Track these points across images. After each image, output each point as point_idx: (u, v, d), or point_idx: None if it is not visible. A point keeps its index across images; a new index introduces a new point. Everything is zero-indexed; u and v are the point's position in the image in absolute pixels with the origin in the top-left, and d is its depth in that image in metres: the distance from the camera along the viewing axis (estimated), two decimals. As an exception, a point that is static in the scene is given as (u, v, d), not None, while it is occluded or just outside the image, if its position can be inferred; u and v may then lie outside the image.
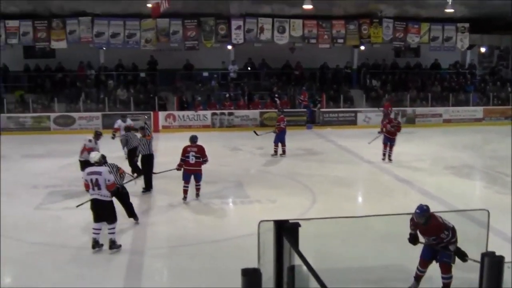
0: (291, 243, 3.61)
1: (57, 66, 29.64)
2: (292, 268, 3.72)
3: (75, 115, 26.58)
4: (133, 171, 15.17)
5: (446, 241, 7.75)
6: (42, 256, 9.95)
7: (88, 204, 10.22)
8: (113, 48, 27.48)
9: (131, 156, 15.77)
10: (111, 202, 10.12)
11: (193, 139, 13.77)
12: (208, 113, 26.90)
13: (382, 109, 25.86)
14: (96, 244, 10.02)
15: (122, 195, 11.19)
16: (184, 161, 13.46)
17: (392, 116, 20.38)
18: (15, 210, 12.83)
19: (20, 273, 9.51)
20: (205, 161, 13.61)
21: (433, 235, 7.86)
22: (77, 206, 11.15)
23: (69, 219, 12.11)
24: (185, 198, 13.57)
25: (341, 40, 27.85)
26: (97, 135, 15.04)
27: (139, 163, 14.79)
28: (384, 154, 18.43)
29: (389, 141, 18.35)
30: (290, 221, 3.73)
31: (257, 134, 19.40)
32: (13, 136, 24.82)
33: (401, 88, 30.43)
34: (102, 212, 10.02)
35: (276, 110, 22.45)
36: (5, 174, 16.72)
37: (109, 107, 27.33)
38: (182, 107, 27.60)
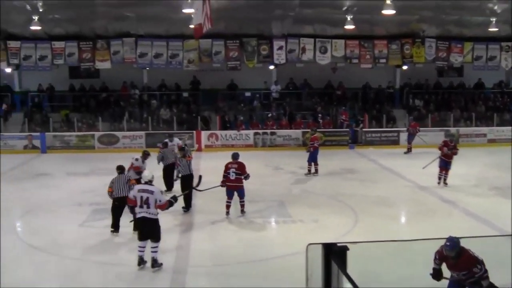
0: (340, 266, 3.63)
1: (101, 86, 30.18)
2: (339, 291, 3.75)
3: (118, 134, 26.95)
4: (167, 188, 15.88)
5: (478, 276, 7.14)
6: (85, 273, 10.09)
7: (129, 222, 10.35)
8: (156, 68, 27.84)
9: (166, 172, 16.48)
10: (158, 220, 10.18)
11: (235, 156, 14.21)
12: (251, 132, 27.01)
13: (408, 128, 25.64)
14: (141, 261, 10.13)
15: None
16: (226, 177, 13.81)
17: (447, 139, 19.96)
18: (60, 227, 13.09)
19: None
20: (245, 177, 13.86)
21: (464, 269, 7.23)
22: (130, 222, 11.38)
23: (112, 236, 12.29)
24: (227, 213, 13.92)
25: (383, 60, 27.80)
26: (145, 155, 15.20)
27: (178, 183, 14.99)
28: (439, 178, 17.79)
29: (445, 165, 17.70)
30: (339, 244, 3.76)
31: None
32: (58, 154, 25.36)
33: (445, 107, 30.14)
34: (148, 230, 10.11)
35: (309, 130, 22.39)
36: (50, 191, 17.10)
37: (152, 126, 27.67)
38: (224, 126, 27.78)
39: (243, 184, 13.88)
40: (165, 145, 17.30)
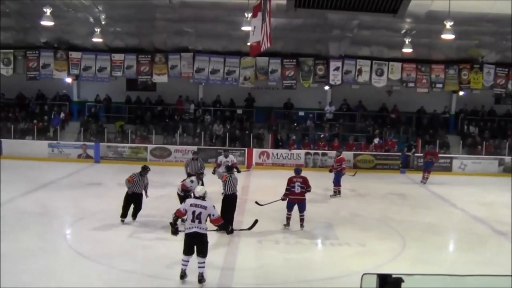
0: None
1: (157, 99, 30.60)
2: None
3: (171, 147, 27.25)
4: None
5: None
6: (129, 284, 10.16)
7: (179, 236, 10.40)
8: (212, 84, 28.12)
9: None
10: (207, 236, 10.20)
11: (298, 171, 15.01)
12: (302, 152, 26.98)
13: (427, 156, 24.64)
14: (184, 275, 10.17)
15: None
16: (289, 190, 14.53)
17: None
18: (109, 237, 13.30)
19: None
20: (308, 190, 14.71)
21: None
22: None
23: (159, 249, 12.40)
24: (288, 225, 14.57)
25: (439, 85, 27.51)
26: (199, 175, 15.22)
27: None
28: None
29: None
30: (393, 276, 3.73)
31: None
32: (111, 164, 25.79)
33: (500, 135, 29.61)
34: (198, 246, 10.11)
35: (336, 151, 22.68)
36: (101, 201, 17.37)
37: (205, 142, 27.90)
38: (276, 145, 27.83)
39: (305, 197, 14.68)
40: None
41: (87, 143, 27.37)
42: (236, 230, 13.65)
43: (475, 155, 27.54)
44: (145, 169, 15.45)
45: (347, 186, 21.53)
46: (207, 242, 10.22)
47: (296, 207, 14.64)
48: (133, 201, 14.85)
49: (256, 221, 13.61)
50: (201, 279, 10.09)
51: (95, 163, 26.46)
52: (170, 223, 10.65)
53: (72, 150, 27.06)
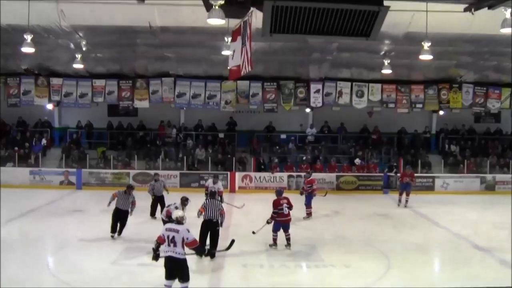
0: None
1: (138, 125, 30.59)
2: None
3: (153, 172, 27.13)
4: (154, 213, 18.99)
5: None
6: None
7: (162, 261, 10.36)
8: (193, 109, 28.15)
9: (154, 202, 19.32)
10: (185, 260, 10.13)
11: (281, 192, 15.30)
12: (285, 175, 27.01)
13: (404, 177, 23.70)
14: None
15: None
16: (277, 213, 14.79)
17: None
18: (92, 264, 13.19)
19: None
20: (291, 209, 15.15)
21: None
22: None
23: (144, 275, 12.31)
24: (275, 245, 14.91)
25: (419, 105, 27.72)
26: (183, 202, 15.12)
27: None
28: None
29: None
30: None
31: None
32: (93, 191, 25.59)
33: (481, 154, 29.86)
34: (176, 270, 10.09)
35: (305, 173, 22.38)
36: (83, 228, 17.30)
37: (187, 166, 27.86)
38: (259, 168, 27.86)
39: None
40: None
41: (69, 170, 27.21)
42: (215, 251, 13.48)
43: (457, 174, 27.73)
44: (129, 187, 16.81)
45: (331, 207, 21.67)
46: (185, 266, 10.13)
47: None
48: (119, 217, 16.23)
49: (233, 241, 13.45)
50: None
51: (77, 190, 26.30)
52: (153, 249, 10.59)
53: (54, 177, 26.87)
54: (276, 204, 14.90)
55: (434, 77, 27.25)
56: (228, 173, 27.03)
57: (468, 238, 16.73)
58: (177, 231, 10.04)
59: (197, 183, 26.00)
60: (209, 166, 27.76)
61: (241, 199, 22.69)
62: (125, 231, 16.49)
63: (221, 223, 14.07)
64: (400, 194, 23.09)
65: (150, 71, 26.85)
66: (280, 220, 14.81)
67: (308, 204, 19.82)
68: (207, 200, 14.25)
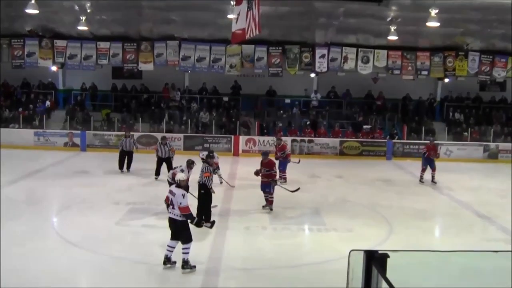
0: (380, 272, 3.74)
1: (142, 87, 30.56)
2: (378, 297, 3.85)
3: (157, 135, 27.16)
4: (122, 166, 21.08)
5: None
6: (117, 270, 10.25)
7: (166, 223, 10.47)
8: (198, 72, 28.06)
9: (122, 155, 21.27)
10: (185, 222, 10.19)
11: (265, 153, 15.86)
12: (289, 139, 27.03)
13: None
14: (167, 261, 10.27)
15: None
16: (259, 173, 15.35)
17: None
18: (96, 224, 13.35)
19: (95, 284, 9.85)
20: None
21: None
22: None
23: (147, 235, 12.49)
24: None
25: (425, 72, 27.57)
26: (189, 165, 15.16)
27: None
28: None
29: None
30: (380, 252, 3.86)
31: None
32: (97, 152, 25.75)
33: (485, 122, 29.84)
34: (175, 231, 10.23)
35: (276, 138, 21.81)
36: (88, 189, 17.41)
37: (191, 129, 27.92)
38: (262, 132, 27.90)
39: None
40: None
41: (73, 131, 27.27)
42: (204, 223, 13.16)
43: (460, 142, 27.75)
44: (163, 138, 20.65)
45: (334, 172, 21.78)
46: (184, 228, 10.18)
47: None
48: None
49: (213, 222, 12.17)
50: (183, 265, 10.14)
51: (81, 151, 26.41)
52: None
53: (58, 139, 26.94)
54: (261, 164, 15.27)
55: (440, 44, 27.07)
56: (232, 136, 27.07)
57: (470, 206, 16.86)
58: (174, 195, 10.16)
59: (201, 146, 26.01)
60: (213, 129, 27.79)
61: (245, 162, 22.83)
62: (128, 193, 16.72)
63: (209, 185, 13.75)
64: (423, 170, 20.77)
65: (155, 34, 26.72)
66: (261, 181, 15.12)
67: (283, 170, 19.43)
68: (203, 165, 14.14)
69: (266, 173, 15.06)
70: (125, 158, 21.25)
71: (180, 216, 10.09)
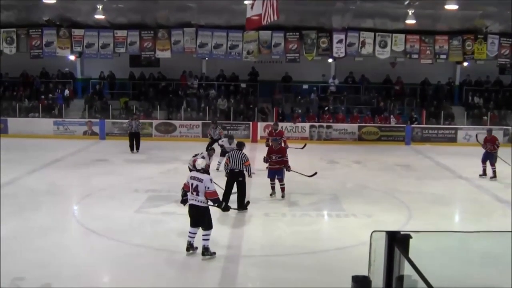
0: (403, 253, 3.72)
1: (160, 75, 30.63)
2: (401, 278, 3.83)
3: (176, 122, 27.34)
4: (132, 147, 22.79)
5: None
6: (137, 258, 10.27)
7: (185, 210, 10.47)
8: (215, 59, 28.06)
9: (131, 137, 23.04)
10: (207, 208, 10.20)
11: (275, 140, 15.83)
12: (307, 125, 27.01)
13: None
14: (190, 247, 10.27)
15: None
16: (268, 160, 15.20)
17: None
18: (116, 212, 13.41)
19: (117, 273, 9.86)
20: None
21: None
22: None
23: (167, 223, 12.53)
24: (274, 192, 15.14)
25: (443, 56, 27.32)
26: (210, 152, 15.18)
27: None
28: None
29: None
30: (402, 232, 3.84)
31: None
32: (116, 141, 25.86)
33: (505, 106, 29.57)
34: (198, 218, 10.21)
35: (273, 124, 21.74)
36: (107, 177, 17.52)
37: (209, 116, 27.94)
38: (279, 118, 27.86)
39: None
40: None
41: (92, 120, 27.47)
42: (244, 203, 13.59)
43: (479, 126, 27.54)
44: (214, 122, 22.18)
45: (353, 158, 21.73)
46: (206, 214, 10.21)
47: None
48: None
49: (248, 202, 13.55)
50: (204, 251, 10.15)
51: (100, 140, 26.59)
52: (181, 194, 10.75)
53: (78, 127, 27.16)
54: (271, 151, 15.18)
55: (459, 27, 26.79)
56: (250, 123, 27.10)
57: (490, 190, 16.73)
58: (201, 180, 10.10)
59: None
60: (231, 116, 27.80)
61: (263, 148, 22.72)
62: (147, 181, 16.82)
63: (249, 172, 14.07)
64: (483, 162, 18.90)
65: (172, 21, 26.69)
66: (270, 168, 15.01)
67: None
68: (233, 152, 14.00)
69: (277, 160, 14.90)
70: (134, 140, 22.99)
71: (203, 203, 10.11)
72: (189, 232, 10.29)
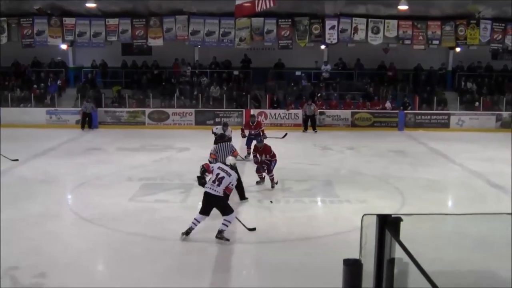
0: (394, 235, 3.74)
1: (153, 63, 30.59)
2: (392, 261, 3.85)
3: (169, 110, 27.29)
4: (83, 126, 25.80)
5: None
6: (132, 246, 10.26)
7: (179, 198, 10.48)
8: (207, 46, 28.00)
9: (84, 117, 25.97)
10: (222, 197, 10.41)
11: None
12: (300, 112, 26.99)
13: None
14: (187, 233, 10.29)
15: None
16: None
17: None
18: (110, 201, 13.32)
19: (111, 261, 9.90)
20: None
21: None
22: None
23: (161, 211, 12.49)
24: (262, 181, 14.99)
25: (436, 41, 27.36)
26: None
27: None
28: None
29: None
30: (393, 215, 3.86)
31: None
32: (109, 129, 25.92)
33: (497, 91, 29.62)
34: (216, 206, 10.39)
35: (250, 116, 20.94)
36: (101, 166, 17.47)
37: (202, 104, 27.91)
38: (273, 105, 27.87)
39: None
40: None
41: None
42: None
43: (472, 111, 27.61)
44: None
45: (346, 144, 21.73)
46: (224, 203, 10.43)
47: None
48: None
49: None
50: (218, 234, 10.27)
51: (93, 129, 26.48)
52: (198, 177, 10.81)
53: (70, 117, 27.05)
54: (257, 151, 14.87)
55: (451, 13, 26.81)
56: (243, 110, 27.07)
57: (483, 176, 16.70)
58: (229, 175, 10.39)
59: (212, 121, 26.02)
60: (224, 103, 27.78)
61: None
62: (140, 169, 16.80)
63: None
64: None
65: (164, 9, 26.63)
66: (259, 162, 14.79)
67: (248, 145, 18.36)
68: (218, 145, 13.66)
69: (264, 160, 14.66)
70: (86, 119, 26.12)
71: (219, 193, 10.28)
72: (194, 219, 10.37)
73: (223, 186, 10.24)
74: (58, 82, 29.47)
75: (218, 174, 10.34)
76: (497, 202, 14.01)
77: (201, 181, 10.71)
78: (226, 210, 10.37)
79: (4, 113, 26.58)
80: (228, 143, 13.67)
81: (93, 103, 26.69)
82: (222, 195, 10.35)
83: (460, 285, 8.16)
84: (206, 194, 10.36)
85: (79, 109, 26.71)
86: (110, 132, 24.85)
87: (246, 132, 18.62)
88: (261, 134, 17.79)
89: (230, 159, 10.98)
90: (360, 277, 3.89)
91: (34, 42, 27.24)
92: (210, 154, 13.49)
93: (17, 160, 14.05)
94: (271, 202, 13.29)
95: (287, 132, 20.10)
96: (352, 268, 3.87)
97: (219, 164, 10.84)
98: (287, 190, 14.46)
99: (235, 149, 13.56)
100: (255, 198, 13.75)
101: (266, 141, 15.66)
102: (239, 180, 13.07)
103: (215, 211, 10.46)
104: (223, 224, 10.30)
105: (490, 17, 27.09)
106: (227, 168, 10.57)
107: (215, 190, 10.25)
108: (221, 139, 14.11)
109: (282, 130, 21.38)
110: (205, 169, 10.71)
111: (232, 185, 10.45)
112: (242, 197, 13.34)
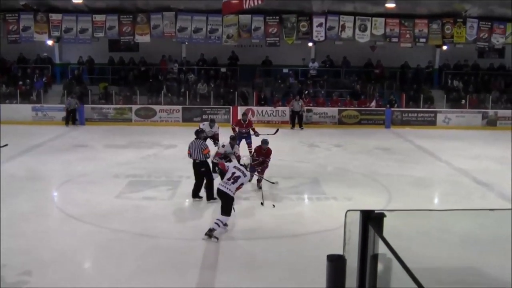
0: (377, 231, 3.75)
1: (140, 60, 30.47)
2: (375, 256, 3.87)
3: (156, 107, 27.21)
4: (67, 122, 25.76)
5: None
6: (120, 243, 10.28)
7: (167, 195, 10.46)
8: (195, 43, 27.92)
9: (69, 113, 26.01)
10: (232, 198, 10.64)
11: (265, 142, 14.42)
12: (287, 109, 26.98)
13: None
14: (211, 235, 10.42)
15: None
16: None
17: None
18: (97, 198, 13.32)
19: (98, 258, 9.91)
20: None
21: None
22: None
23: (148, 208, 12.50)
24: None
25: (423, 40, 27.41)
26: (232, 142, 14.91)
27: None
28: None
29: None
30: (376, 211, 3.87)
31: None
32: (96, 126, 25.80)
33: (484, 89, 29.77)
34: (223, 203, 10.60)
35: (242, 114, 19.95)
36: (87, 163, 17.43)
37: (190, 101, 27.86)
38: (260, 102, 27.86)
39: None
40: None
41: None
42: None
43: (459, 109, 27.74)
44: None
45: (333, 141, 21.76)
46: (229, 203, 10.59)
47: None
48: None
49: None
50: (208, 231, 10.36)
51: (80, 126, 26.37)
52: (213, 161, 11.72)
53: (56, 113, 26.86)
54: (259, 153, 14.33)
55: (438, 11, 26.88)
56: (231, 107, 27.04)
57: (469, 173, 16.83)
58: (245, 175, 10.70)
59: (199, 118, 25.96)
60: (211, 100, 27.74)
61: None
62: (127, 166, 16.78)
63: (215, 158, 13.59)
64: None
65: (151, 5, 26.51)
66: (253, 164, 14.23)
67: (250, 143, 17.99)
68: (191, 142, 13.20)
69: (261, 161, 14.37)
70: (70, 115, 26.22)
71: (231, 192, 10.51)
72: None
73: (236, 185, 10.50)
74: (44, 78, 29.30)
75: (234, 173, 10.58)
76: (482, 198, 14.14)
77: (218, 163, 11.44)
78: (226, 210, 10.49)
79: (-11, 109, 26.41)
80: (200, 140, 13.28)
81: (77, 99, 26.66)
82: (233, 195, 10.59)
83: (444, 281, 8.23)
84: (221, 192, 10.59)
85: (64, 105, 26.53)
86: (96, 129, 24.77)
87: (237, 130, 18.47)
88: (252, 132, 17.69)
89: (244, 160, 11.19)
90: (344, 272, 3.91)
91: (20, 38, 27.02)
92: (217, 152, 13.66)
93: (6, 145, 13.86)
94: (274, 206, 12.99)
95: (278, 128, 20.04)
96: (336, 264, 3.88)
97: (235, 164, 11.15)
98: (273, 188, 14.43)
99: (207, 147, 13.06)
100: (242, 196, 13.67)
101: (256, 138, 15.67)
102: (210, 180, 13.07)
103: (210, 210, 10.50)
104: (215, 223, 10.40)
105: (477, 16, 27.17)
106: (243, 169, 10.85)
107: (227, 188, 10.48)
108: (197, 135, 13.67)
109: (270, 128, 21.32)
110: (221, 170, 11.20)
111: (243, 184, 10.77)
112: (210, 197, 12.93)
